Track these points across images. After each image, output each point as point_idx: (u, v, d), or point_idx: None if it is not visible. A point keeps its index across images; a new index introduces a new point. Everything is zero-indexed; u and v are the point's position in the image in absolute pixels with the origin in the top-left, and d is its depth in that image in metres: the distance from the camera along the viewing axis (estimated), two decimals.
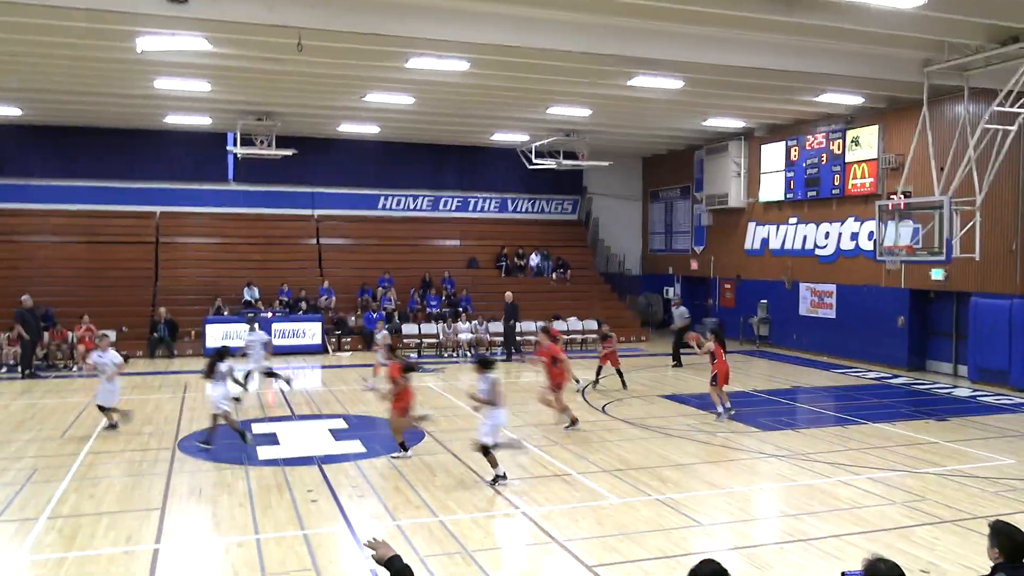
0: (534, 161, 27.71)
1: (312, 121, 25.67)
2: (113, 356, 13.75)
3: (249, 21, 14.18)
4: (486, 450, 10.77)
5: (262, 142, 24.53)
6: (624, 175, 32.94)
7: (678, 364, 22.28)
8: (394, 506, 9.84)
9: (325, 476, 11.09)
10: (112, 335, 18.64)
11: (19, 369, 19.99)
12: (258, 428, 14.04)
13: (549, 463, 11.91)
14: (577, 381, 18.29)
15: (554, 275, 30.24)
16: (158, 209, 28.11)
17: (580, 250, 32.15)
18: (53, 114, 24.76)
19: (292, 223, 29.37)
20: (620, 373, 18.33)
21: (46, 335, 21.25)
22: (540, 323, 20.44)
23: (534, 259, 30.51)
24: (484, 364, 11.23)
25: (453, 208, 31.49)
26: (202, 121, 25.23)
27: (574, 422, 14.12)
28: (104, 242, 26.77)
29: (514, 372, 21.18)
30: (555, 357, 14.44)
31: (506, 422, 11.16)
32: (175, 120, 25.02)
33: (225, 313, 24.22)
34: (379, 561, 4.33)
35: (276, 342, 23.55)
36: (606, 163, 28.64)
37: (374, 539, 4.47)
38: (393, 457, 12.01)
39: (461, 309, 26.52)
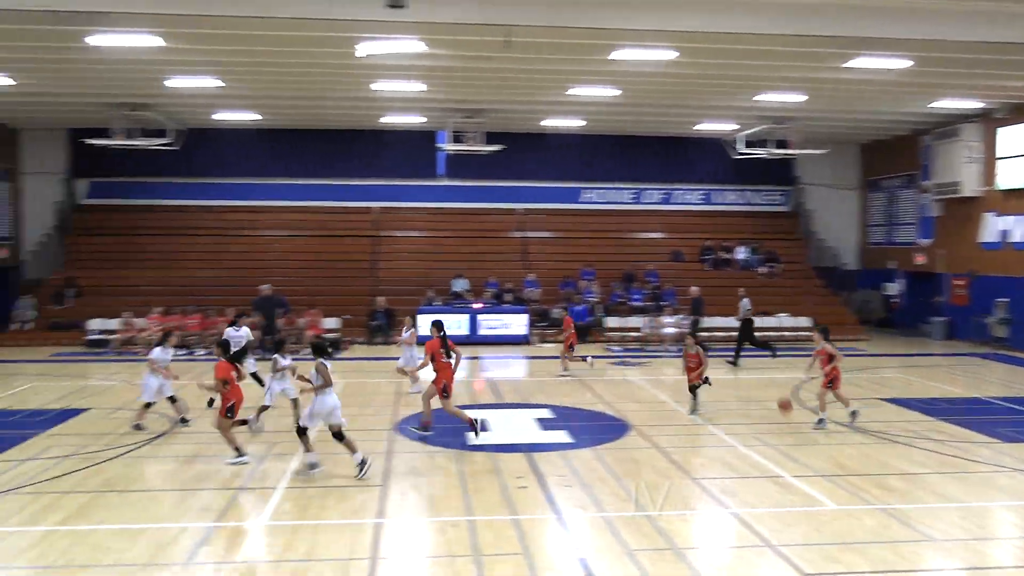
0: (741, 151, 26.77)
1: (518, 117, 26.26)
2: (168, 353, 13.53)
3: (461, 21, 14.73)
4: (301, 432, 10.75)
5: (471, 139, 25.42)
6: (840, 163, 31.03)
7: (734, 362, 20.70)
8: (601, 498, 9.85)
9: (533, 463, 11.30)
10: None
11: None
12: (468, 415, 14.50)
13: (758, 463, 11.47)
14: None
15: (763, 269, 29.08)
16: (376, 204, 29.93)
17: (791, 243, 30.70)
18: (286, 118, 27.00)
19: (498, 217, 30.24)
20: (694, 390, 14.79)
21: (281, 322, 23.14)
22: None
23: (741, 252, 29.51)
24: (315, 350, 11.10)
25: (656, 200, 31.11)
26: (416, 120, 26.52)
27: (425, 427, 13.03)
28: (329, 235, 28.93)
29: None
30: (433, 354, 12.76)
31: (327, 410, 10.67)
32: (391, 120, 26.48)
33: (437, 303, 25.31)
34: None
35: (482, 332, 24.44)
36: (820, 151, 27.15)
37: None
38: (231, 463, 11.19)
39: (665, 303, 26.15)
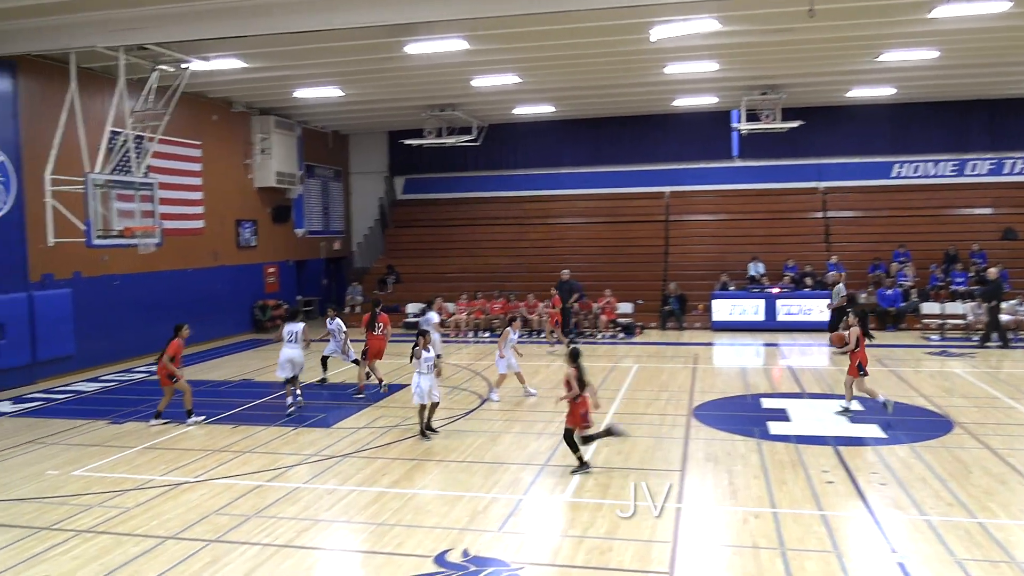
0: None
1: (818, 90, 24.73)
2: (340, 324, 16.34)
3: None
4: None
5: (767, 116, 24.34)
6: None
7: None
8: (921, 499, 9.02)
9: (841, 458, 10.63)
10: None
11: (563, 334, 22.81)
12: (767, 403, 14.10)
13: None
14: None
15: None
16: (667, 189, 29.78)
17: None
18: (579, 109, 27.65)
19: (796, 197, 28.73)
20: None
21: (576, 305, 23.82)
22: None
23: None
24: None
25: (984, 172, 27.73)
26: (708, 101, 25.92)
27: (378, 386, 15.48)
28: (621, 221, 29.28)
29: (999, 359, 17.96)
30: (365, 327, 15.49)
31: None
32: (683, 103, 26.12)
33: (731, 288, 24.64)
34: None
35: (780, 319, 23.41)
36: None
37: None
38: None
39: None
